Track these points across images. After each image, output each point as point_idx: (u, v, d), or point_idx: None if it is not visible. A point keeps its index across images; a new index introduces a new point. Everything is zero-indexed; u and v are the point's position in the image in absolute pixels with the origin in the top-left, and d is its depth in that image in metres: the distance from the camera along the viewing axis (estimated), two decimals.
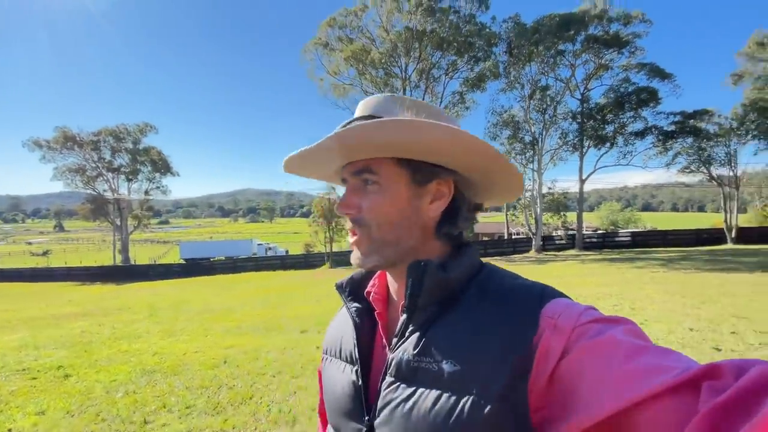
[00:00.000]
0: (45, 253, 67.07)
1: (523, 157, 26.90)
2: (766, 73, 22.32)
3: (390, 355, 0.58)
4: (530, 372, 0.47)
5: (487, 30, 23.72)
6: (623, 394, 0.40)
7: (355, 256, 0.63)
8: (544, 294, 0.54)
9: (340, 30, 24.34)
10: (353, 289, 0.71)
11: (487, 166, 0.61)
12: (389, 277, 0.67)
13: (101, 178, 35.71)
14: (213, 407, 3.66)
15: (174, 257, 50.12)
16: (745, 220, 32.01)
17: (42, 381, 4.65)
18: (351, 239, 0.63)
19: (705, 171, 25.89)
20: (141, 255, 55.25)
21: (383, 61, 22.86)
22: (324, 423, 0.83)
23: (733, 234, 24.39)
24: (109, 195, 35.97)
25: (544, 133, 26.37)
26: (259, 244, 50.95)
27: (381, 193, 0.60)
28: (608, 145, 25.96)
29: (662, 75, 24.16)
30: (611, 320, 0.49)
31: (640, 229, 44.06)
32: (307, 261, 30.62)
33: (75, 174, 34.48)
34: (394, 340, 0.59)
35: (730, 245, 23.46)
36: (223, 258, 38.45)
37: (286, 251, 46.54)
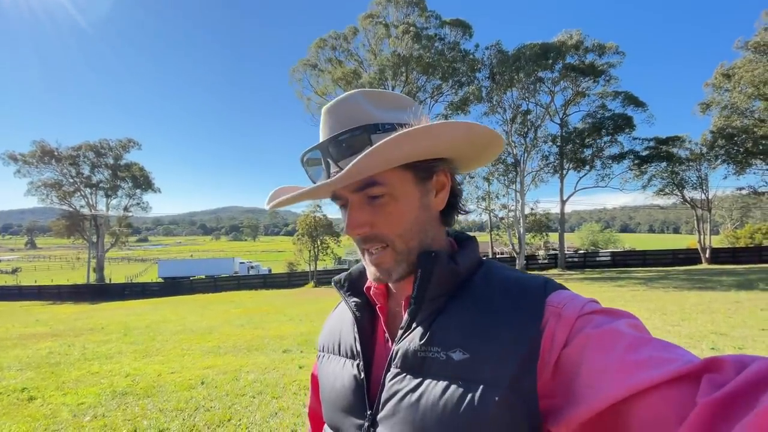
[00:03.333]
0: (14, 271, 63.92)
1: (506, 178, 27.49)
2: (732, 103, 23.64)
3: (395, 347, 0.57)
4: (537, 360, 0.47)
5: (471, 56, 24.58)
6: (624, 384, 0.40)
7: (377, 274, 0.59)
8: (548, 285, 0.54)
9: (331, 51, 24.84)
10: (351, 285, 0.70)
11: (481, 144, 0.60)
12: None
13: (78, 194, 34.75)
14: (189, 430, 3.48)
15: (152, 276, 48.56)
16: (717, 242, 33.14)
17: (4, 404, 4.36)
18: (368, 258, 0.59)
19: (678, 194, 26.91)
20: (117, 273, 53.34)
21: (373, 84, 23.35)
22: (314, 425, 0.81)
23: (707, 254, 25.20)
24: (86, 211, 34.92)
25: (525, 155, 27.10)
26: (241, 263, 49.90)
27: (394, 203, 0.57)
28: (587, 167, 26.84)
29: (636, 103, 25.45)
30: (614, 312, 0.49)
31: (620, 250, 45.13)
32: (291, 280, 30.10)
33: (51, 189, 33.47)
34: (400, 332, 0.58)
35: (704, 265, 24.19)
36: (204, 277, 37.39)
37: (269, 270, 45.69)
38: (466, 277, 0.58)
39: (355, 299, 0.67)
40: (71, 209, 34.60)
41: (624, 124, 25.33)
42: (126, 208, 37.08)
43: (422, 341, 0.54)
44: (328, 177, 0.58)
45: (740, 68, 22.60)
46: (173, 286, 30.61)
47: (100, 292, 30.03)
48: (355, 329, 0.64)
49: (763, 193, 25.62)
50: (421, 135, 0.51)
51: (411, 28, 22.86)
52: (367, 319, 0.65)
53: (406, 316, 0.58)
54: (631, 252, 35.09)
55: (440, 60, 23.29)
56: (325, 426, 0.67)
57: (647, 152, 25.90)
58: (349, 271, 0.71)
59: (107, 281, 36.62)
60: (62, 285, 32.87)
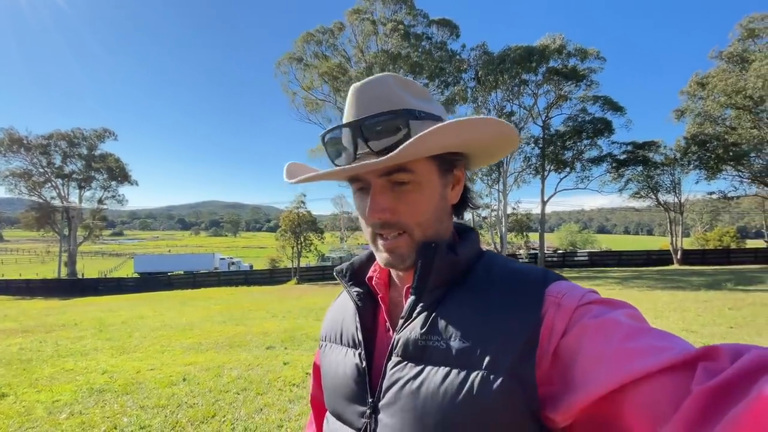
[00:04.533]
0: None
1: (489, 178, 27.88)
2: (705, 110, 24.60)
3: (396, 336, 0.58)
4: (536, 348, 0.48)
5: (458, 57, 24.76)
6: (621, 371, 0.41)
7: (390, 260, 0.59)
8: (548, 275, 0.56)
9: (317, 46, 24.57)
10: (353, 275, 0.70)
11: (499, 145, 0.62)
12: None
13: (49, 185, 33.33)
14: (171, 427, 3.41)
15: (127, 271, 47.11)
16: (688, 243, 34.51)
17: None
18: (383, 242, 0.59)
19: (653, 197, 27.84)
20: (90, 268, 51.49)
21: (361, 80, 23.23)
22: (317, 412, 0.82)
23: (679, 255, 26.19)
24: (57, 203, 33.55)
25: (508, 156, 27.48)
26: (221, 259, 49.02)
27: (419, 191, 0.58)
28: (567, 169, 27.45)
29: (615, 108, 26.15)
30: (613, 303, 0.50)
31: (597, 250, 46.48)
32: (273, 277, 29.72)
33: (19, 179, 31.98)
34: (401, 321, 0.59)
35: (676, 266, 25.15)
36: (182, 272, 36.54)
37: (251, 266, 45.01)
38: (467, 268, 0.60)
39: (357, 289, 0.68)
40: (41, 200, 33.17)
41: (603, 128, 26.01)
42: (100, 201, 35.76)
43: (423, 330, 0.55)
44: (355, 156, 0.58)
45: (714, 77, 23.50)
46: (150, 282, 29.78)
47: (72, 287, 28.91)
48: (357, 319, 0.65)
49: (732, 198, 26.80)
50: (466, 127, 0.53)
51: (399, 26, 22.84)
52: (368, 309, 0.66)
53: (406, 306, 0.59)
54: (608, 252, 36.18)
55: (428, 59, 23.37)
56: (327, 413, 0.68)
57: (624, 156, 26.70)
58: (351, 261, 0.72)
59: (80, 276, 35.31)
60: (31, 279, 31.46)
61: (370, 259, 0.72)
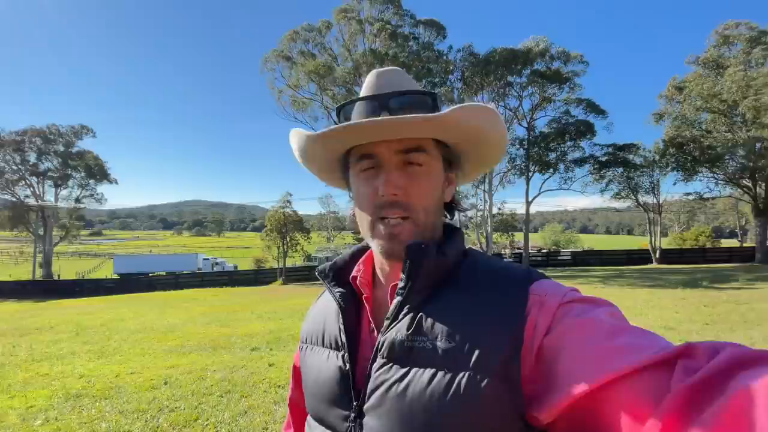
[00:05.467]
0: None
1: (475, 179, 28.17)
2: (682, 114, 25.37)
3: (381, 337, 0.57)
4: (521, 347, 0.48)
5: (444, 58, 24.90)
6: (602, 370, 0.41)
7: (391, 245, 0.58)
8: (531, 273, 0.56)
9: (303, 44, 24.36)
10: (336, 275, 0.68)
11: (492, 153, 0.66)
12: (379, 261, 0.66)
13: (23, 183, 32.15)
14: None
15: (107, 272, 45.86)
16: (666, 243, 35.52)
17: None
18: (383, 228, 0.58)
19: (633, 198, 28.55)
20: (67, 269, 49.89)
21: (347, 80, 23.12)
22: (295, 415, 0.80)
23: (658, 254, 26.95)
24: (31, 201, 32.38)
25: None
26: (205, 259, 48.22)
27: (429, 176, 0.59)
28: (551, 170, 27.93)
29: (597, 111, 26.76)
30: (595, 301, 0.51)
31: (580, 249, 47.45)
32: (258, 277, 29.34)
33: None
34: (386, 322, 0.58)
35: (655, 265, 25.86)
36: (164, 273, 35.75)
37: (235, 267, 44.36)
38: (453, 268, 0.59)
39: (340, 289, 0.66)
40: (14, 199, 31.94)
41: (586, 130, 26.56)
42: (78, 200, 34.63)
43: (409, 331, 0.54)
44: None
45: (691, 82, 24.28)
46: (130, 283, 29.04)
47: (47, 289, 27.94)
48: (341, 320, 0.64)
49: (708, 199, 27.73)
50: (487, 114, 0.57)
51: (387, 25, 22.84)
52: (352, 310, 0.65)
53: (392, 306, 0.58)
54: (590, 252, 37.04)
55: (415, 60, 23.44)
56: (309, 417, 0.66)
57: (606, 158, 27.33)
58: (333, 261, 0.71)
59: (56, 277, 34.17)
60: (3, 281, 30.39)
61: (354, 257, 0.70)
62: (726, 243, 43.69)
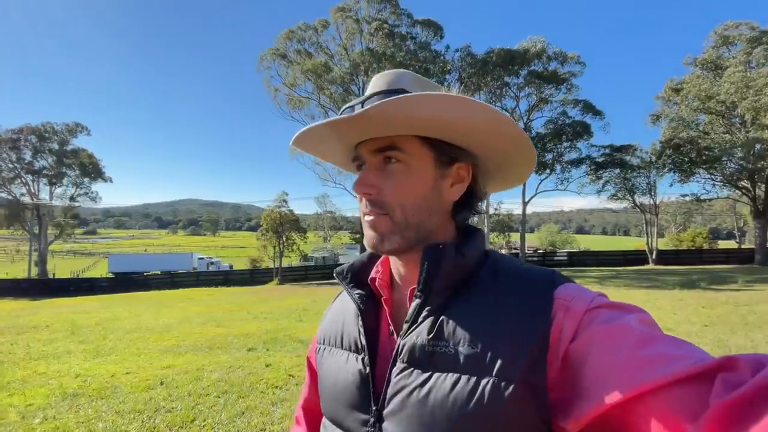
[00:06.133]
0: None
1: None
2: (679, 115, 25.49)
3: (401, 341, 0.55)
4: (547, 353, 0.47)
5: (442, 58, 24.90)
6: (635, 380, 0.39)
7: (371, 238, 0.59)
8: (555, 277, 0.54)
9: (299, 43, 24.30)
10: (354, 276, 0.67)
11: (507, 150, 0.61)
12: (395, 262, 0.64)
13: (18, 181, 31.90)
14: None
15: (101, 271, 45.58)
16: (663, 244, 35.74)
17: None
18: (367, 219, 0.59)
19: (629, 199, 28.69)
20: (62, 268, 49.63)
21: (345, 79, 23.08)
22: (308, 417, 0.78)
23: (654, 255, 27.09)
24: (27, 200, 32.13)
25: None
26: (200, 259, 48.05)
27: (406, 173, 0.57)
28: (548, 171, 28.02)
29: (594, 111, 26.88)
30: (624, 307, 0.49)
31: (576, 250, 47.66)
32: (254, 277, 29.23)
33: None
34: (406, 325, 0.56)
35: (651, 266, 26.00)
36: (159, 272, 35.56)
37: (231, 266, 44.20)
38: (473, 270, 0.57)
39: (359, 291, 0.65)
40: (10, 197, 31.67)
41: (582, 130, 26.67)
42: (72, 198, 34.38)
43: (430, 335, 0.53)
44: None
45: (688, 83, 24.39)
46: (125, 282, 28.90)
47: (43, 287, 27.74)
48: (360, 322, 0.62)
49: (705, 200, 27.87)
50: (451, 101, 0.52)
51: (384, 25, 22.82)
52: (371, 312, 0.63)
53: (411, 309, 0.56)
54: (586, 252, 37.16)
55: (412, 60, 23.44)
56: (325, 419, 0.65)
57: (603, 159, 27.44)
58: (351, 263, 0.70)
59: (51, 276, 33.93)
60: (0, 279, 30.13)
61: (371, 260, 0.69)
62: (723, 244, 43.95)
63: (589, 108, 26.83)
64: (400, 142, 0.57)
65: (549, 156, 28.02)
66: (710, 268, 21.02)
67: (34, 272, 32.91)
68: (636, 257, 28.61)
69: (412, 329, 0.55)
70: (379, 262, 0.67)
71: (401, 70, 0.62)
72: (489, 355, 0.48)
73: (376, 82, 0.61)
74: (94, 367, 5.52)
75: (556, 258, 30.59)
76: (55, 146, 32.89)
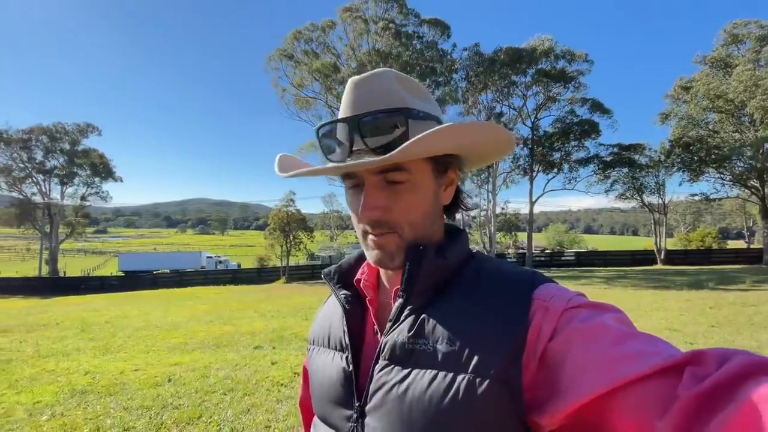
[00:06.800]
0: None
1: (479, 178, 28.07)
2: (689, 114, 25.14)
3: (383, 339, 0.57)
4: (523, 352, 0.48)
5: (449, 57, 24.82)
6: (608, 376, 0.40)
7: (379, 256, 0.58)
8: (535, 278, 0.56)
9: (306, 44, 24.38)
10: (341, 277, 0.69)
11: (494, 151, 0.64)
12: None
13: (30, 181, 32.42)
14: (156, 428, 3.34)
15: (111, 269, 46.20)
16: (671, 244, 35.28)
17: None
18: (372, 238, 0.59)
19: (638, 198, 28.35)
20: (72, 267, 50.37)
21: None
22: (306, 414, 0.81)
23: (662, 256, 26.77)
24: (38, 199, 32.66)
25: None
26: (208, 257, 48.40)
27: (413, 191, 0.57)
28: (555, 170, 27.82)
29: (602, 110, 26.61)
30: (601, 306, 0.50)
31: (583, 250, 47.23)
32: (261, 276, 29.46)
33: None
34: (389, 324, 0.58)
35: (660, 266, 25.69)
36: (168, 271, 35.95)
37: (239, 265, 44.52)
38: (456, 270, 0.59)
39: (345, 292, 0.67)
40: (22, 197, 32.23)
41: (590, 129, 26.43)
42: (83, 197, 34.86)
43: (410, 333, 0.55)
44: (350, 152, 0.57)
45: (698, 82, 24.02)
46: (134, 281, 29.23)
47: (53, 285, 28.22)
48: (344, 322, 0.64)
49: (714, 200, 27.45)
50: (466, 132, 0.54)
51: (391, 24, 22.80)
52: (356, 312, 0.65)
53: (394, 309, 0.58)
54: (594, 252, 36.81)
55: (419, 59, 23.39)
56: (315, 417, 0.68)
57: (611, 158, 27.16)
58: (339, 264, 0.71)
59: (61, 274, 34.47)
60: (11, 278, 30.66)
61: (359, 261, 0.71)
62: (733, 244, 43.29)
63: (597, 106, 26.57)
64: (406, 162, 0.55)
65: (557, 155, 27.82)
66: (719, 269, 20.73)
67: (45, 271, 33.44)
68: (644, 257, 28.32)
69: (394, 328, 0.57)
70: (365, 263, 0.68)
71: (381, 70, 0.59)
72: (466, 352, 0.50)
73: (359, 93, 0.57)
74: (103, 364, 5.62)
75: (563, 258, 30.37)
76: (66, 146, 33.36)
